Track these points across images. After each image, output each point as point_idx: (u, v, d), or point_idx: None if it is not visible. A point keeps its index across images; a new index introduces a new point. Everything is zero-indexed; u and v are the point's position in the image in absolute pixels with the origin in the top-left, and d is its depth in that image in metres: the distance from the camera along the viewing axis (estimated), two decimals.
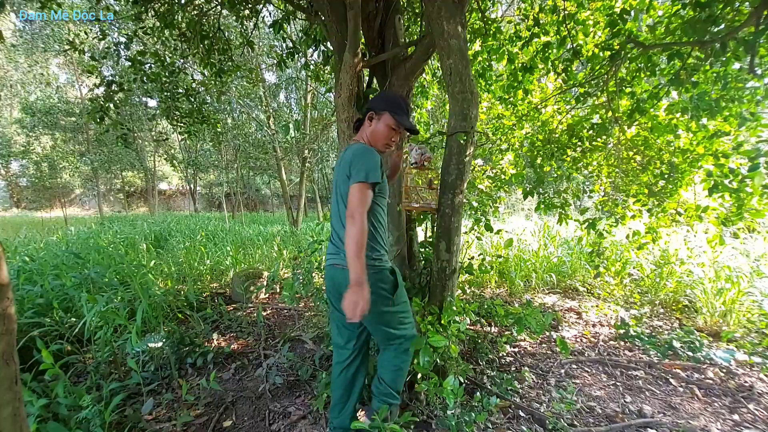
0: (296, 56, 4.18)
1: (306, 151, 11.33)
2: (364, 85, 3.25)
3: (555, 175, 5.16)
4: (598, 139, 4.50)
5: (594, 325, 4.18)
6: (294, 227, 11.34)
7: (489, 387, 2.75)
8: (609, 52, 3.91)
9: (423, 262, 3.13)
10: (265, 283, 4.71)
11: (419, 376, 2.45)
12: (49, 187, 18.68)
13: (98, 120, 4.39)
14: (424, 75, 5.39)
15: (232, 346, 3.38)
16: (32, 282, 3.46)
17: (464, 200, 2.84)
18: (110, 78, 4.47)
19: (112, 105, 4.55)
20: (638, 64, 3.87)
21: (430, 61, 4.78)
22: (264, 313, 4.02)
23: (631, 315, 4.35)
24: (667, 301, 4.72)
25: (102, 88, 4.49)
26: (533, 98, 5.01)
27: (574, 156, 4.74)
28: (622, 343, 3.70)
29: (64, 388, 2.08)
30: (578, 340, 3.81)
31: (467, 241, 4.89)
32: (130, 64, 4.78)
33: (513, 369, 3.14)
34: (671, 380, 2.99)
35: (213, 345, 3.35)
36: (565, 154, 4.76)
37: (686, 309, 4.53)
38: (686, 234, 5.30)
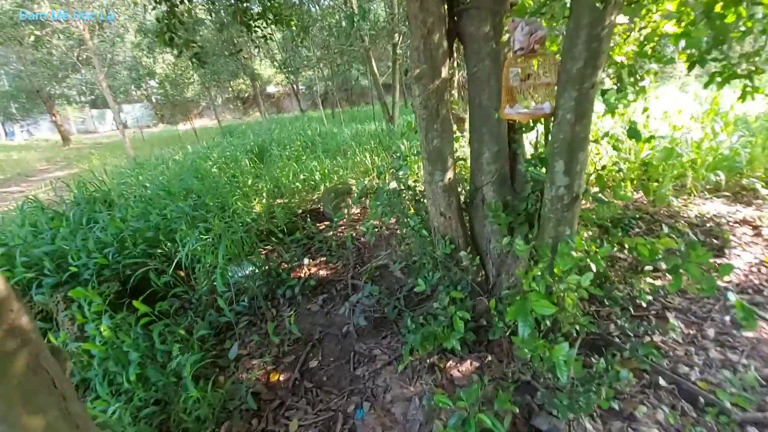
0: None
1: (396, 36, 10.03)
2: None
3: (743, 29, 3.45)
4: None
5: None
6: (391, 124, 10.77)
7: (619, 343, 2.17)
8: None
9: (531, 183, 2.40)
10: (357, 199, 4.48)
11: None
12: (177, 103, 20.80)
13: (168, 41, 4.15)
14: None
15: (321, 273, 3.32)
16: (148, 212, 3.75)
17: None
18: None
19: (177, 21, 4.23)
20: None
21: None
22: (354, 234, 3.84)
23: None
24: None
25: (164, 5, 4.14)
26: None
27: None
28: None
29: (160, 333, 2.18)
30: (753, 270, 2.82)
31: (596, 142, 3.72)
32: None
33: (654, 314, 2.45)
34: None
35: (303, 272, 3.33)
36: None
37: None
38: None
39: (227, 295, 2.87)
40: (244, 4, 5.28)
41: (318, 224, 4.42)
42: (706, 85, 3.12)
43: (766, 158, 4.21)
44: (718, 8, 3.30)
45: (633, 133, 2.05)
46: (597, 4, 1.63)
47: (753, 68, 3.11)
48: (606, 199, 2.07)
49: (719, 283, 2.66)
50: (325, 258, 3.61)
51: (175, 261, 2.97)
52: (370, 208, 3.58)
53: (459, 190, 2.63)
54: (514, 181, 2.53)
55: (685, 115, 4.92)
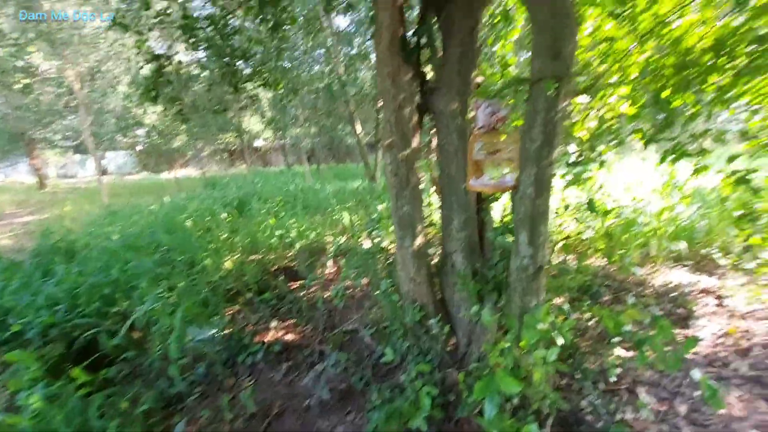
0: None
1: (380, 100, 10.62)
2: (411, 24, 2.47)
3: (689, 113, 3.81)
4: (765, 56, 3.12)
5: (744, 317, 3.12)
6: (373, 183, 11.04)
7: (590, 422, 2.10)
8: None
9: (500, 251, 2.45)
10: (330, 257, 4.46)
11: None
12: (162, 152, 20.97)
13: (153, 99, 4.28)
14: None
15: (289, 337, 3.18)
16: (110, 266, 3.61)
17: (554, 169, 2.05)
18: (159, 52, 4.26)
19: (165, 80, 4.39)
20: None
21: None
22: (326, 295, 3.76)
23: None
24: None
25: (150, 65, 4.32)
26: (660, 8, 3.61)
27: (721, 84, 3.39)
28: None
29: (100, 405, 2.00)
30: (719, 342, 2.85)
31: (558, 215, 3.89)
32: (180, 31, 4.55)
33: (625, 388, 2.41)
34: None
35: (269, 336, 3.19)
36: (706, 81, 3.43)
37: None
38: None
39: (183, 362, 2.69)
40: (234, 67, 5.52)
41: (291, 283, 4.32)
42: (659, 163, 3.36)
43: (722, 229, 4.43)
44: (666, 94, 3.66)
45: (592, 206, 2.16)
46: (550, 91, 1.78)
47: (701, 148, 3.40)
48: (569, 270, 2.11)
49: (688, 355, 2.66)
50: (294, 320, 3.48)
51: (130, 321, 2.81)
52: (343, 269, 3.55)
53: (430, 256, 2.65)
54: (483, 249, 2.57)
55: (646, 186, 5.23)
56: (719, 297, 3.46)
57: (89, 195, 16.20)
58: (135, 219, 6.99)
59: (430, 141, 3.69)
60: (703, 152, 3.33)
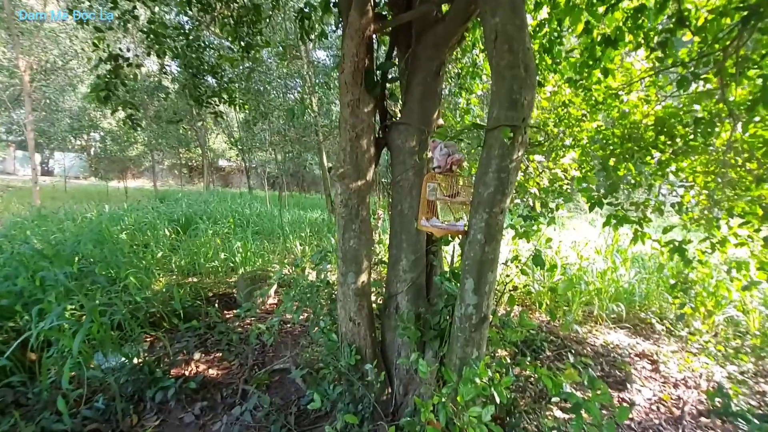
0: (311, 20, 3.44)
1: None
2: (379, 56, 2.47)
3: (632, 182, 4.07)
4: (698, 138, 3.40)
5: (676, 385, 3.17)
6: (333, 215, 10.88)
7: None
8: (730, 18, 2.84)
9: (446, 297, 2.35)
10: (272, 287, 4.18)
11: None
12: (115, 159, 19.86)
13: (103, 99, 3.99)
14: (470, 44, 4.45)
15: (211, 372, 2.85)
16: (16, 275, 3.16)
17: (505, 218, 2.01)
18: (117, 52, 4.04)
19: (119, 82, 4.14)
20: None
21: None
22: (261, 327, 3.46)
23: (730, 374, 3.27)
24: None
25: (108, 65, 4.07)
26: (612, 81, 3.92)
27: (660, 159, 3.65)
28: (719, 422, 2.69)
29: None
30: (653, 408, 2.85)
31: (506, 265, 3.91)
32: (145, 35, 4.38)
33: None
34: None
35: (189, 370, 2.84)
36: (649, 155, 3.68)
37: None
38: None
39: (78, 393, 2.30)
40: (200, 80, 5.37)
41: (225, 312, 3.98)
42: (603, 226, 3.48)
43: (659, 294, 4.64)
44: (611, 162, 3.89)
45: (537, 260, 2.14)
46: (505, 140, 1.77)
47: (642, 216, 3.58)
48: (513, 325, 2.03)
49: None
50: (221, 354, 3.15)
51: (20, 340, 2.40)
52: (283, 301, 3.30)
53: (374, 295, 2.51)
54: (429, 293, 2.47)
55: (591, 246, 5.46)
56: (654, 362, 3.53)
57: (25, 195, 14.81)
58: (65, 225, 6.35)
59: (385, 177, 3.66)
60: (644, 220, 3.51)
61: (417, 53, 2.26)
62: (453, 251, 2.63)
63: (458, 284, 2.21)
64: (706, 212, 3.89)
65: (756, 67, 2.92)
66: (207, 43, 5.64)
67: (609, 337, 3.95)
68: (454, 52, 4.61)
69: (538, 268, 2.19)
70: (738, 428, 2.60)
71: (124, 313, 2.95)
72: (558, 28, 3.52)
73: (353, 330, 2.34)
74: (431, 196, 2.00)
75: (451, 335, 2.11)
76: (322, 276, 3.13)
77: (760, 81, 3.01)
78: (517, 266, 2.77)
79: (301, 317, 3.14)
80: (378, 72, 2.31)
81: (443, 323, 2.28)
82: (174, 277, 4.76)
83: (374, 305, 2.66)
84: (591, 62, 3.47)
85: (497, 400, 1.77)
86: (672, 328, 4.14)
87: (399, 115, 2.40)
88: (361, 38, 2.04)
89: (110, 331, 2.85)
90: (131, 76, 4.37)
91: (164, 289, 3.89)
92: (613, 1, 3.06)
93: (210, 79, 5.65)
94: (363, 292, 2.31)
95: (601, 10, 3.19)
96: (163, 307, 3.48)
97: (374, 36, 2.32)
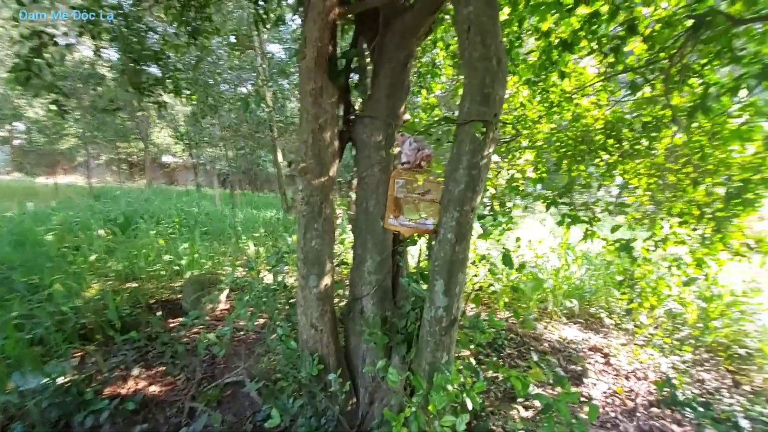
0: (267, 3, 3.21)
1: None
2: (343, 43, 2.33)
3: (583, 183, 4.24)
4: (643, 143, 3.59)
5: (627, 377, 3.31)
6: (288, 215, 10.50)
7: None
8: (676, 29, 3.01)
9: (413, 299, 2.25)
10: (223, 292, 3.88)
11: None
12: (43, 153, 18.00)
13: (24, 81, 3.49)
14: (434, 43, 4.41)
15: (153, 389, 2.55)
16: None
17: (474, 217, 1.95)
18: (40, 29, 3.56)
19: (44, 63, 3.64)
20: (714, 47, 2.91)
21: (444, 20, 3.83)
22: (211, 336, 3.18)
23: (673, 364, 3.48)
24: (713, 346, 3.83)
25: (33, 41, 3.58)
26: (567, 85, 4.04)
27: (608, 161, 3.82)
28: (668, 411, 2.83)
29: None
30: (609, 400, 2.94)
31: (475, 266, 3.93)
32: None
33: None
34: None
35: (126, 388, 2.53)
36: (598, 157, 3.84)
37: (738, 359, 3.65)
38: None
39: None
40: (141, 67, 4.92)
41: (170, 320, 3.63)
42: (558, 224, 3.57)
43: (606, 290, 4.87)
44: (564, 164, 4.01)
45: (507, 261, 2.10)
46: (477, 134, 1.70)
47: (592, 215, 3.72)
48: (484, 326, 1.98)
49: (581, 414, 2.67)
50: (164, 368, 2.84)
51: None
52: (235, 307, 3.05)
53: (337, 299, 2.36)
54: (395, 295, 2.36)
55: (545, 245, 5.64)
56: (606, 355, 3.67)
57: None
58: None
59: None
60: (594, 220, 3.64)
61: (384, 43, 2.15)
62: (419, 251, 2.54)
63: (426, 286, 2.12)
64: (648, 212, 4.14)
65: (696, 75, 3.10)
66: (149, 26, 5.18)
67: (564, 333, 4.07)
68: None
69: (507, 267, 2.16)
70: (685, 416, 2.74)
71: (48, 326, 2.57)
72: (518, 30, 3.56)
73: (315, 337, 2.17)
74: (400, 194, 1.90)
75: (420, 339, 2.02)
76: (280, 278, 2.93)
77: (699, 90, 3.23)
78: (485, 267, 2.75)
79: (257, 323, 2.92)
80: (342, 61, 2.16)
81: (410, 327, 2.18)
82: (110, 282, 4.29)
83: (337, 309, 2.51)
84: (548, 65, 3.54)
85: (470, 406, 1.70)
86: (620, 322, 4.36)
87: (364, 107, 2.27)
88: (324, 22, 1.89)
89: (30, 348, 2.47)
90: (57, 58, 3.87)
91: (98, 297, 3.48)
92: (569, 6, 3.14)
93: (153, 67, 5.20)
94: (326, 295, 2.15)
95: (555, 15, 3.27)
96: (96, 317, 3.10)
97: (339, 22, 2.17)
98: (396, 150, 2.24)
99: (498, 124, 1.79)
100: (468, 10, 1.70)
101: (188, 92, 5.72)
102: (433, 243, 1.99)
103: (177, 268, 4.53)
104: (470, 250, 2.03)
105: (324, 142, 2.04)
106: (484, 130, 1.73)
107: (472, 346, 2.08)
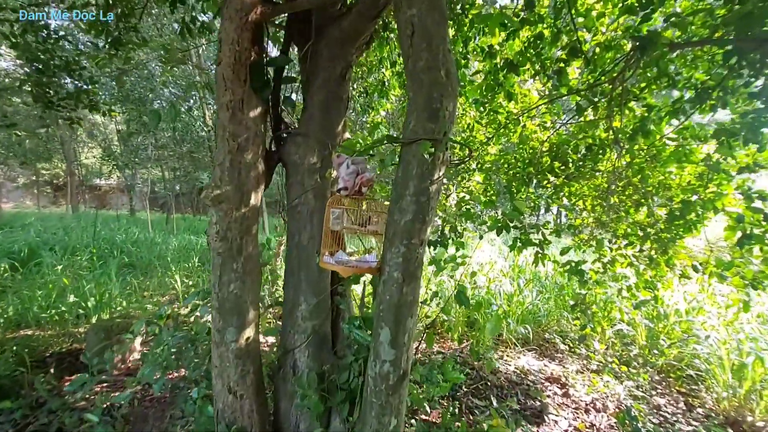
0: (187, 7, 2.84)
1: None
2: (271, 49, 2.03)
3: (532, 205, 4.19)
4: (587, 164, 3.59)
5: (587, 410, 3.15)
6: None
7: None
8: (617, 53, 3.04)
9: (356, 347, 1.91)
10: (136, 338, 3.29)
11: None
12: None
13: None
14: (380, 62, 4.24)
15: None
16: None
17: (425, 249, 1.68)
18: None
19: None
20: (651, 71, 2.94)
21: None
22: (122, 394, 2.59)
23: (629, 391, 3.39)
24: (664, 368, 3.82)
25: None
26: (514, 107, 4.01)
27: (555, 183, 3.78)
28: None
29: None
30: None
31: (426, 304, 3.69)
32: None
33: None
34: None
35: None
36: (546, 179, 3.80)
37: (689, 380, 3.65)
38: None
39: None
40: (51, 78, 4.33)
41: (66, 379, 2.98)
42: (510, 248, 3.42)
43: (558, 313, 4.81)
44: (513, 187, 3.92)
45: (462, 299, 1.84)
46: (425, 155, 1.44)
47: (543, 239, 3.61)
48: (438, 380, 1.68)
49: None
50: None
51: None
52: (143, 362, 2.51)
53: (263, 354, 1.96)
54: (335, 343, 2.00)
55: (496, 266, 5.55)
56: (564, 385, 3.52)
57: None
58: None
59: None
60: (544, 242, 3.54)
61: (318, 51, 1.86)
62: (363, 289, 2.22)
63: (371, 332, 1.79)
64: (594, 234, 4.14)
65: (635, 99, 3.12)
66: (60, 32, 4.57)
67: (519, 362, 3.89)
68: (361, 66, 4.36)
69: (461, 306, 1.89)
70: None
71: None
72: (464, 50, 3.46)
73: (234, 405, 1.74)
74: (336, 226, 1.58)
75: (364, 400, 1.67)
76: (202, 322, 2.47)
77: (639, 113, 3.27)
78: (438, 305, 2.47)
79: (177, 375, 2.41)
80: (270, 70, 1.84)
81: (353, 382, 1.84)
82: None
83: (264, 362, 2.10)
84: (494, 86, 3.47)
85: None
86: (573, 346, 4.27)
87: (297, 125, 1.96)
88: (243, 21, 1.57)
89: None
90: None
91: None
92: (513, 28, 3.08)
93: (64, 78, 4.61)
94: (248, 352, 1.75)
95: (501, 35, 3.21)
96: None
97: (267, 25, 1.86)
98: (334, 173, 1.93)
99: (448, 144, 1.55)
100: (411, 12, 1.46)
101: (107, 108, 5.09)
102: (377, 283, 1.68)
103: (82, 311, 3.82)
104: (420, 287, 1.74)
105: (245, 164, 1.69)
106: (433, 150, 1.47)
107: (425, 404, 1.77)
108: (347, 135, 2.08)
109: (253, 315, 1.76)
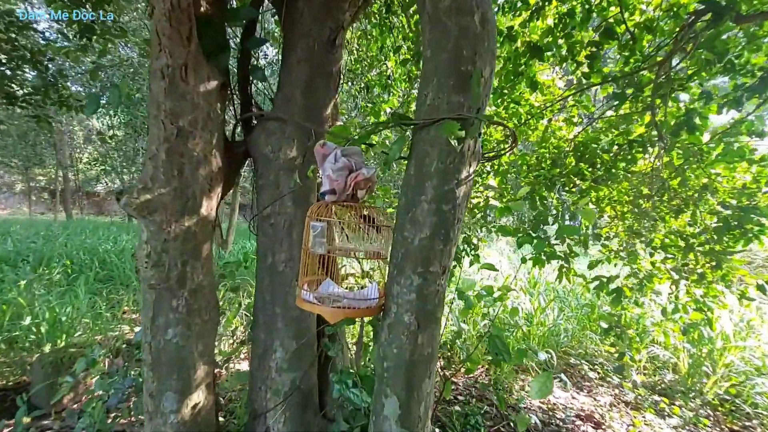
0: None
1: None
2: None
3: (554, 213, 3.67)
4: (619, 165, 3.10)
5: None
6: (222, 250, 9.21)
7: None
8: (659, 35, 2.58)
9: (350, 408, 1.39)
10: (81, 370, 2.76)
11: None
12: None
13: None
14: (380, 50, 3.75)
15: None
16: None
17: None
18: None
19: None
20: (704, 53, 2.46)
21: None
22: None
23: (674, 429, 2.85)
24: (713, 401, 3.28)
25: None
26: (535, 101, 3.52)
27: (581, 187, 3.29)
28: None
29: None
30: None
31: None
32: None
33: None
34: None
35: None
36: (572, 182, 3.30)
37: (744, 417, 3.11)
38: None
39: None
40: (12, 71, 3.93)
41: (7, 423, 2.46)
42: (534, 265, 2.90)
43: (582, 333, 4.27)
44: (535, 193, 3.42)
45: (498, 347, 1.32)
46: (452, 141, 0.94)
47: (569, 250, 3.08)
48: None
49: None
50: None
51: None
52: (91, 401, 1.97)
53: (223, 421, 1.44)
54: (324, 403, 1.48)
55: (513, 280, 5.01)
56: (598, 424, 2.98)
57: None
58: None
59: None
60: (570, 255, 3.02)
61: (298, 8, 1.37)
62: (362, 329, 1.70)
63: (370, 394, 1.28)
64: (625, 245, 3.61)
65: (680, 89, 2.63)
66: (23, 20, 4.12)
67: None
68: (361, 62, 3.89)
69: (499, 356, 1.37)
70: None
71: None
72: None
73: None
74: (318, 247, 1.06)
75: None
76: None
77: (684, 105, 2.78)
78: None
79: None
80: (230, 30, 1.34)
81: None
82: None
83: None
84: (515, 74, 2.99)
85: None
86: (603, 374, 3.73)
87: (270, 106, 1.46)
88: None
89: None
90: None
91: None
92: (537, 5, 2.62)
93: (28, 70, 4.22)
94: (196, 426, 1.23)
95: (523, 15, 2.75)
96: None
97: None
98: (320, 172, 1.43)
99: (482, 126, 1.06)
100: None
101: (79, 105, 4.61)
102: (379, 326, 1.16)
103: (35, 337, 3.30)
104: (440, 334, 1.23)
105: (189, 157, 1.18)
106: (463, 134, 0.97)
107: None
108: (339, 122, 1.58)
109: (203, 372, 1.24)
